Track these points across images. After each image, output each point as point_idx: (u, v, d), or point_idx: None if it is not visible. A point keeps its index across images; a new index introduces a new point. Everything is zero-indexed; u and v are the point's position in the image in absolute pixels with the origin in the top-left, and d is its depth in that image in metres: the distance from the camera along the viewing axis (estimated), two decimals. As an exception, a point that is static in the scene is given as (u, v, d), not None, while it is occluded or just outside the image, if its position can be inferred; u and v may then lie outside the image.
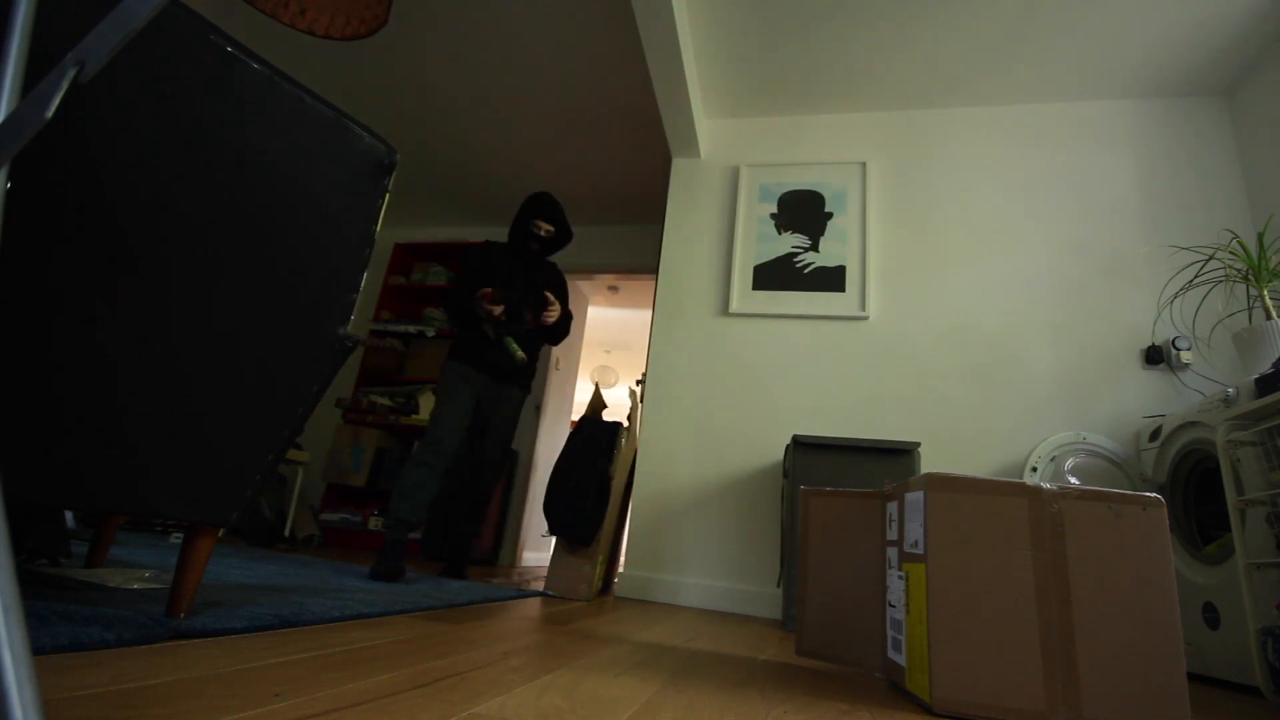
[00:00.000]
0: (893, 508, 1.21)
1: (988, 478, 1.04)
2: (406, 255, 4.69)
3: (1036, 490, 1.01)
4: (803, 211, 2.96)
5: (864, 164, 2.96)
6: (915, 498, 1.08)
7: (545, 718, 0.68)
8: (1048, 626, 0.95)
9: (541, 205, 2.49)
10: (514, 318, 2.33)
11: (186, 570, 0.97)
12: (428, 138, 3.83)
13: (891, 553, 1.19)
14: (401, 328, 4.36)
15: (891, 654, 1.15)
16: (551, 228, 2.50)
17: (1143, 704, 0.91)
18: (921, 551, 1.02)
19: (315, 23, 2.06)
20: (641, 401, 2.88)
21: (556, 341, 2.56)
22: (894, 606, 1.16)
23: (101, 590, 1.13)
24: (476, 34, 2.96)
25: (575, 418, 7.10)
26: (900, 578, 1.12)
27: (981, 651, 0.94)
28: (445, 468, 2.27)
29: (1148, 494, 0.99)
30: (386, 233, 5.09)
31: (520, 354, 2.32)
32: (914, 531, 1.07)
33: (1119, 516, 0.98)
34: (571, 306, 4.76)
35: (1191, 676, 1.93)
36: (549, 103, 3.36)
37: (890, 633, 1.17)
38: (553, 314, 2.41)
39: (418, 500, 2.21)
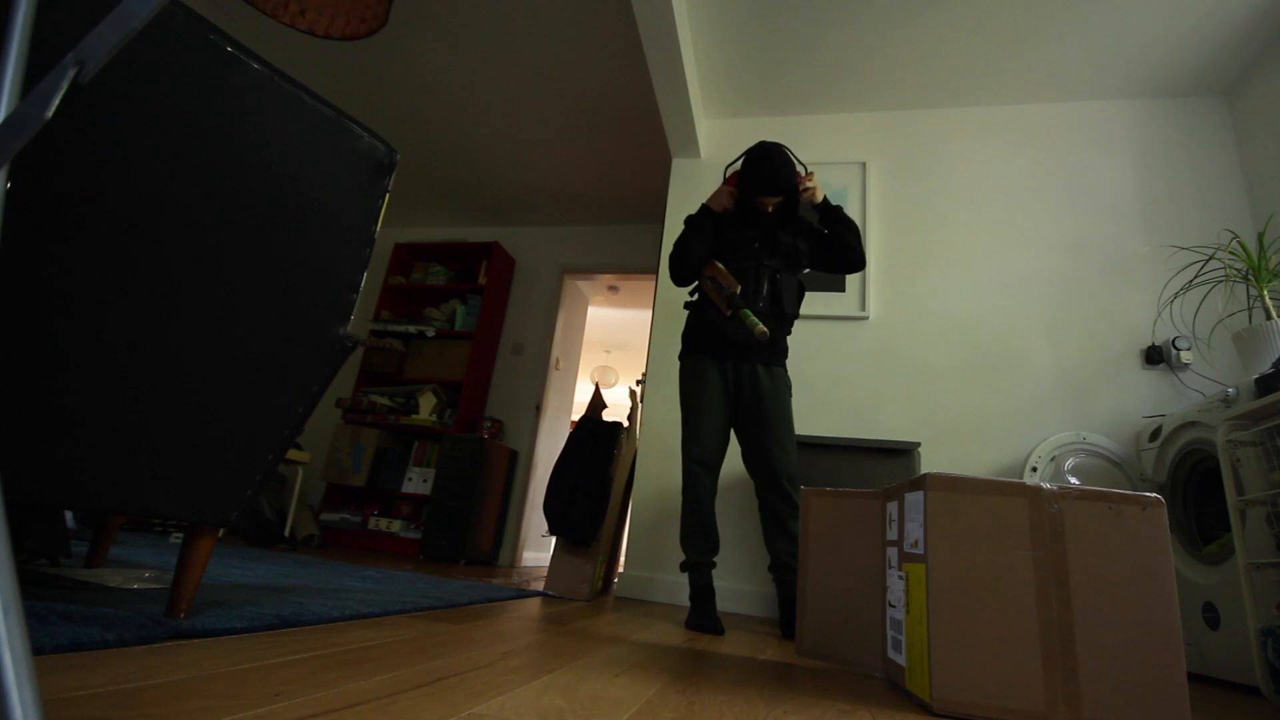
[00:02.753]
0: (893, 508, 1.21)
1: (988, 478, 1.04)
2: (406, 255, 4.69)
3: (1036, 490, 1.01)
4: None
5: (864, 164, 2.96)
6: (915, 498, 1.08)
7: (545, 718, 0.68)
8: (1047, 626, 0.95)
9: (764, 175, 1.88)
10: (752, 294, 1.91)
11: (186, 570, 0.97)
12: (428, 138, 3.83)
13: (892, 553, 1.19)
14: (401, 328, 4.36)
15: (891, 654, 1.15)
16: (780, 198, 1.93)
17: (1143, 704, 0.91)
18: (921, 551, 1.02)
19: (315, 23, 2.06)
20: (641, 401, 2.88)
21: (851, 260, 1.97)
22: (894, 606, 1.16)
23: (101, 590, 1.13)
24: (476, 34, 2.96)
25: (575, 418, 7.10)
26: (900, 578, 1.12)
27: (981, 651, 0.94)
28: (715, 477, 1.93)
29: (1148, 494, 0.99)
30: (386, 233, 5.09)
31: (761, 327, 1.77)
32: (914, 531, 1.07)
33: (1119, 516, 0.98)
34: (571, 306, 4.77)
35: (1191, 676, 1.93)
36: (549, 103, 3.36)
37: (890, 633, 1.16)
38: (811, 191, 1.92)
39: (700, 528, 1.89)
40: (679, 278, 2.00)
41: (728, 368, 1.96)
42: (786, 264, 1.96)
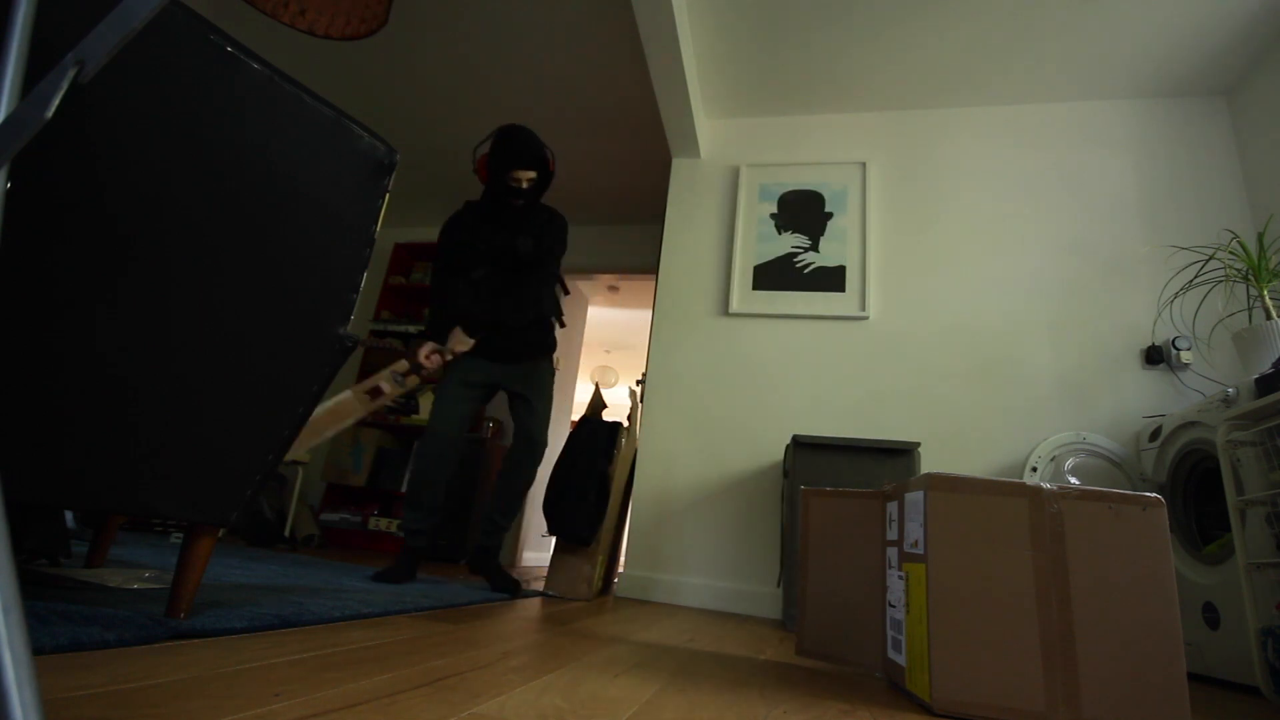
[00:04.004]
0: (893, 508, 1.21)
1: (988, 478, 1.04)
2: (406, 255, 4.69)
3: (1037, 490, 1.01)
4: (803, 211, 2.96)
5: (864, 164, 2.96)
6: (915, 498, 1.08)
7: (545, 718, 0.68)
8: (1048, 626, 0.94)
9: (514, 150, 2.00)
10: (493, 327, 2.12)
11: (186, 570, 0.97)
12: (428, 138, 3.83)
13: (892, 553, 1.19)
14: (401, 328, 4.36)
15: (891, 654, 1.15)
16: (533, 173, 2.04)
17: (1143, 704, 0.90)
18: (921, 551, 1.02)
19: (315, 23, 2.06)
20: (641, 401, 2.88)
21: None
22: (894, 606, 1.16)
23: (101, 590, 1.13)
24: (476, 34, 2.96)
25: (575, 418, 7.10)
26: (900, 578, 1.12)
27: (981, 651, 0.94)
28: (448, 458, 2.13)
29: (1148, 494, 0.99)
30: (386, 233, 5.09)
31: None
32: (914, 531, 1.07)
33: (1119, 516, 0.98)
34: (571, 306, 4.76)
35: (1191, 676, 1.93)
36: (549, 103, 3.36)
37: (890, 633, 1.17)
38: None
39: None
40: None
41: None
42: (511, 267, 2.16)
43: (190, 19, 0.87)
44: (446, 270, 2.17)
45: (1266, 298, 1.96)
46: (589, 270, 4.58)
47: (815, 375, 2.71)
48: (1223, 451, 1.64)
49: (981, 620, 0.96)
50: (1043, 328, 2.56)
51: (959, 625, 0.96)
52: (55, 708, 0.53)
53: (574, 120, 3.48)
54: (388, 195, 1.15)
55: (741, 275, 2.93)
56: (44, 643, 0.70)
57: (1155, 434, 2.12)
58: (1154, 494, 0.99)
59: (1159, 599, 0.95)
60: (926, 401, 2.57)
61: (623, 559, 2.72)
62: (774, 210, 3.00)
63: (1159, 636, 0.94)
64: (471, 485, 3.68)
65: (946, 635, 0.96)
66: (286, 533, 3.33)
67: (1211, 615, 1.79)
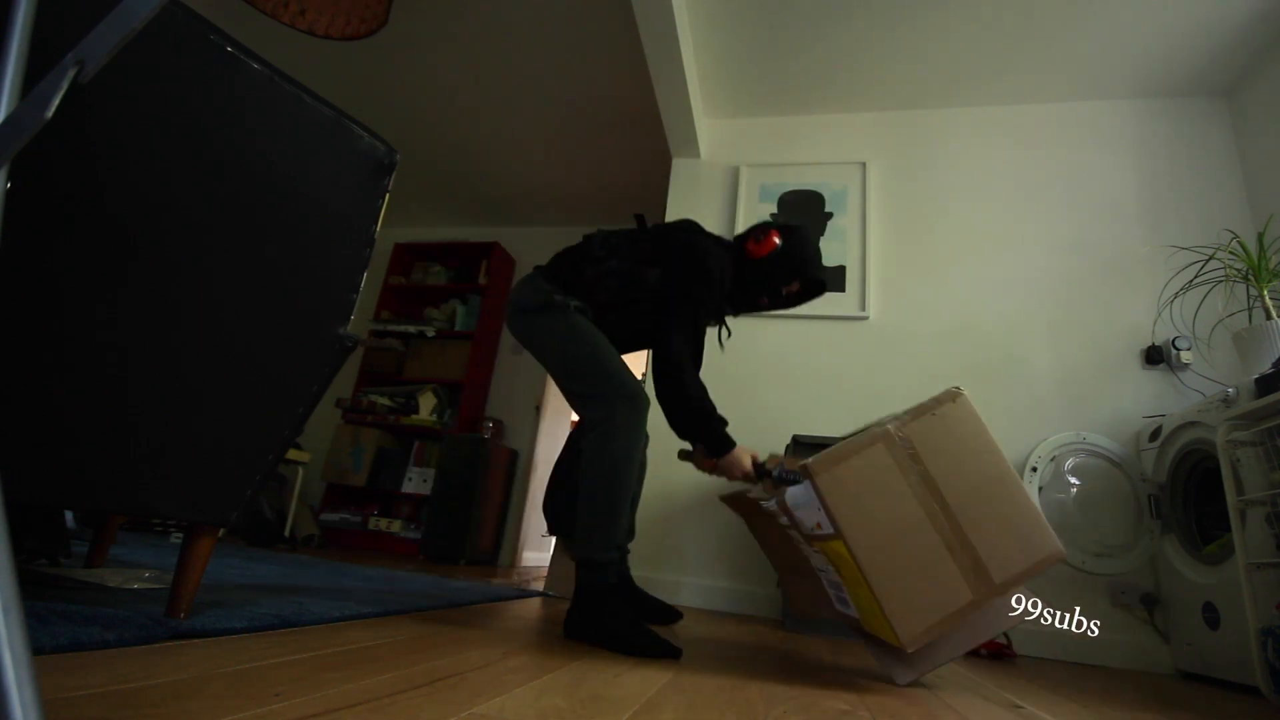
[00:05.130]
0: (770, 504, 1.31)
1: (846, 438, 1.17)
2: (406, 255, 4.69)
3: (884, 432, 1.15)
4: (803, 211, 2.96)
5: (864, 164, 2.96)
6: (798, 491, 1.19)
7: (545, 718, 0.68)
8: (944, 532, 1.11)
9: (815, 263, 1.64)
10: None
11: (186, 570, 0.97)
12: (428, 137, 3.83)
13: (794, 534, 1.30)
14: (401, 328, 4.36)
15: (841, 607, 1.28)
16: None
17: (1023, 545, 1.11)
18: (832, 530, 1.12)
19: (315, 23, 2.06)
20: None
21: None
22: (824, 571, 1.28)
23: (101, 590, 1.13)
24: (476, 34, 2.96)
25: (575, 418, 7.09)
26: (818, 553, 1.24)
27: (915, 582, 1.08)
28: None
29: (949, 389, 1.19)
30: (386, 233, 5.09)
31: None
32: (812, 516, 1.17)
33: (941, 417, 1.17)
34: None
35: (1192, 676, 1.93)
36: (549, 102, 3.36)
37: (832, 591, 1.29)
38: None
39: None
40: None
41: None
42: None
43: (190, 19, 0.87)
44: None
45: (1266, 298, 1.96)
46: (589, 270, 4.57)
47: (815, 375, 2.71)
48: (1223, 451, 1.64)
49: (903, 558, 1.09)
50: (1043, 328, 2.56)
51: (892, 573, 1.09)
52: (55, 708, 0.53)
53: (574, 120, 3.48)
54: (388, 195, 1.15)
55: (741, 275, 2.93)
56: (44, 643, 0.70)
57: (1155, 434, 2.12)
58: (953, 387, 1.20)
59: (990, 458, 1.17)
60: (926, 401, 2.56)
61: (623, 559, 2.72)
62: (774, 210, 2.99)
63: (1002, 486, 1.15)
64: (473, 485, 3.68)
65: (888, 588, 1.08)
66: (286, 533, 3.33)
67: (1211, 615, 1.79)
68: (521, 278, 1.62)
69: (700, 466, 1.59)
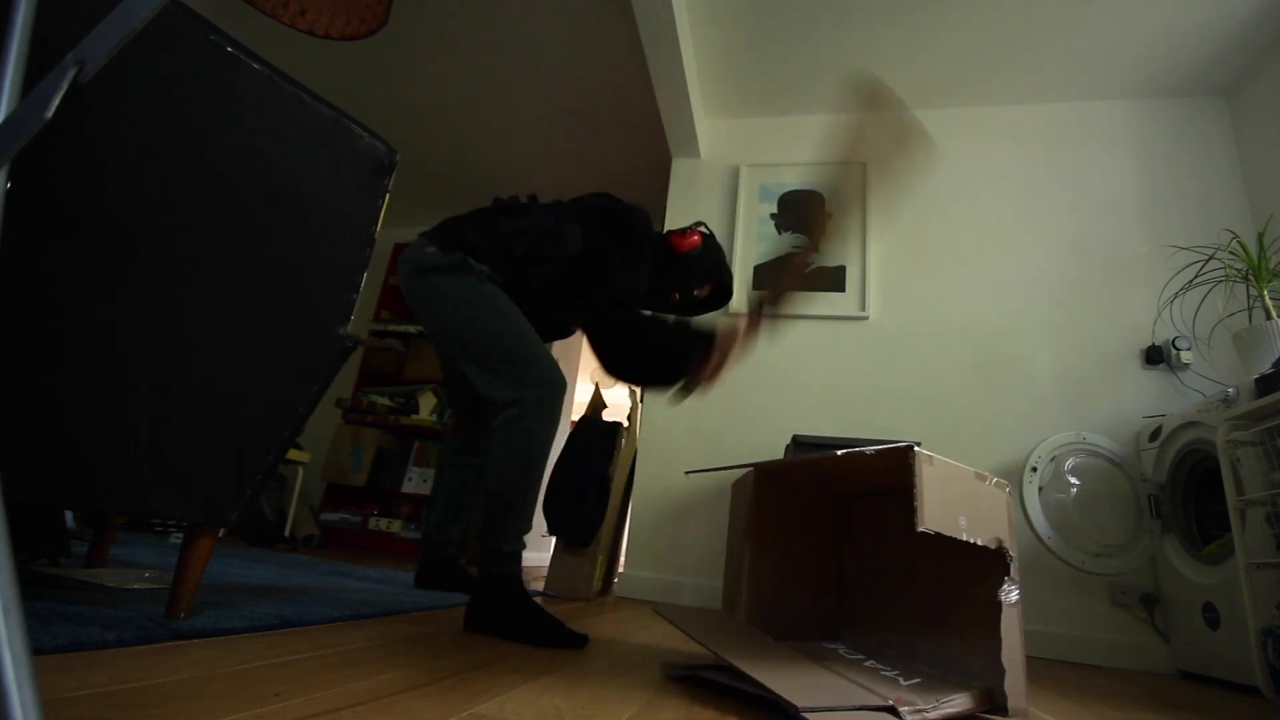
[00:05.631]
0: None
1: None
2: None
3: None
4: (803, 211, 2.96)
5: (864, 164, 2.95)
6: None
7: (545, 718, 0.68)
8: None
9: (727, 270, 1.68)
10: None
11: (186, 570, 0.97)
12: (428, 137, 3.82)
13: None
14: (401, 328, 4.36)
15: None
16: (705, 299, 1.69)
17: None
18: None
19: (315, 23, 2.06)
20: (641, 401, 2.88)
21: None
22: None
23: (101, 590, 1.13)
24: (476, 34, 2.96)
25: (575, 418, 7.09)
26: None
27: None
28: None
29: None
30: (386, 233, 5.08)
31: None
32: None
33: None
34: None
35: (1192, 676, 1.93)
36: (549, 103, 3.36)
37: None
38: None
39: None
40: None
41: None
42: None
43: (190, 19, 0.87)
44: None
45: (1266, 298, 1.96)
46: (589, 270, 4.56)
47: (815, 375, 2.71)
48: (1223, 451, 1.64)
49: None
50: (1043, 328, 2.56)
51: None
52: (55, 708, 0.53)
53: (574, 120, 3.47)
54: (388, 195, 1.15)
55: (741, 275, 2.93)
56: (44, 643, 0.70)
57: (1155, 434, 2.12)
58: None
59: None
60: (926, 401, 2.56)
61: (623, 559, 2.72)
62: (774, 210, 3.00)
63: None
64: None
65: None
66: (286, 533, 3.33)
67: (1211, 615, 1.79)
68: (413, 242, 1.48)
69: (698, 384, 1.39)
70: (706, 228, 1.63)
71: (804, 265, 1.41)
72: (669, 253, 1.57)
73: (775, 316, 1.35)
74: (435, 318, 1.40)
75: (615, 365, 1.39)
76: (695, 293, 1.63)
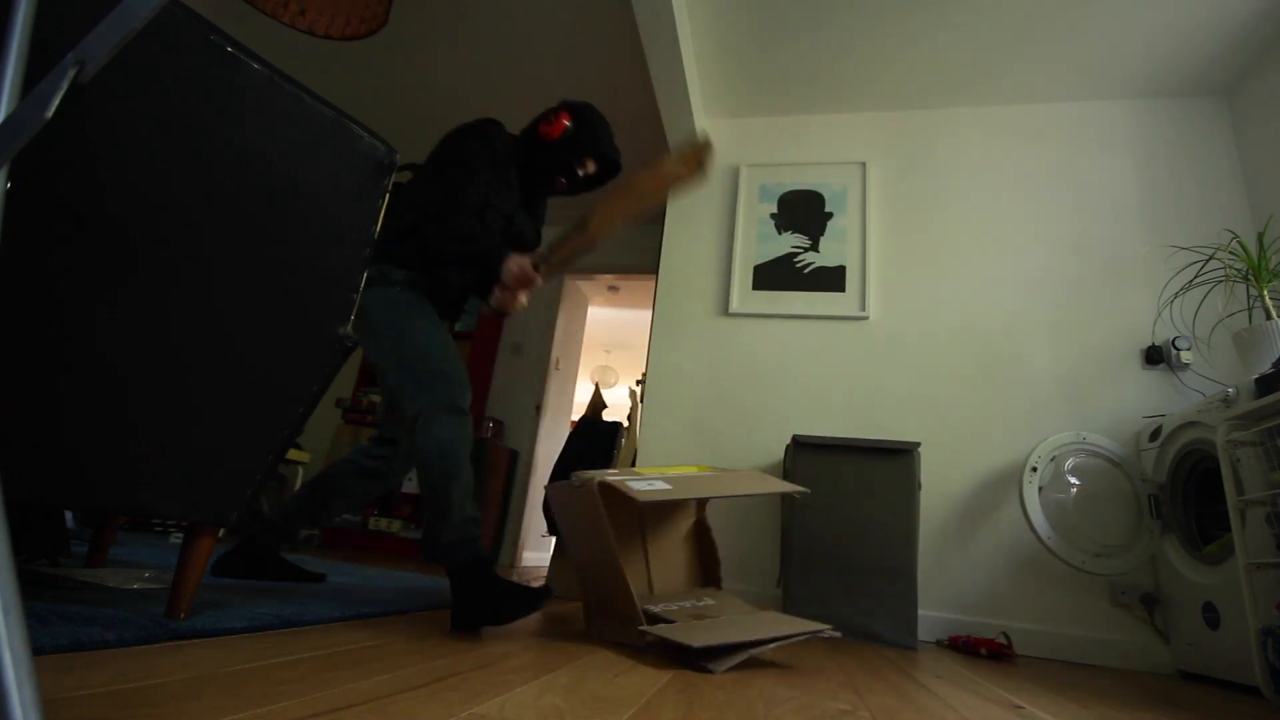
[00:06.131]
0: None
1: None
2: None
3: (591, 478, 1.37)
4: (803, 211, 2.96)
5: (864, 164, 2.95)
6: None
7: (545, 718, 0.68)
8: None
9: (607, 138, 1.67)
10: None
11: (186, 570, 0.97)
12: (428, 137, 3.82)
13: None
14: (401, 328, 4.35)
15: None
16: (594, 170, 1.73)
17: None
18: None
19: (315, 23, 2.06)
20: (641, 401, 2.88)
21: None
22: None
23: (101, 590, 1.13)
24: (477, 34, 2.96)
25: (575, 418, 7.09)
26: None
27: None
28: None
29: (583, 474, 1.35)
30: (386, 233, 5.08)
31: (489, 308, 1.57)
32: None
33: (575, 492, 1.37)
34: (571, 306, 4.77)
35: (1192, 676, 1.93)
36: (549, 102, 3.35)
37: None
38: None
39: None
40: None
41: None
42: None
43: (190, 19, 0.87)
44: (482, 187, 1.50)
45: (1266, 298, 1.96)
46: (589, 270, 4.57)
47: (815, 375, 2.71)
48: (1223, 451, 1.64)
49: None
50: (1043, 328, 2.56)
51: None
52: (55, 708, 0.53)
53: (574, 120, 3.47)
54: (388, 195, 1.15)
55: (741, 275, 2.93)
56: (44, 643, 0.70)
57: (1155, 434, 2.12)
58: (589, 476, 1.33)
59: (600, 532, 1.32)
60: (926, 401, 2.57)
61: (623, 559, 2.72)
62: (774, 210, 3.00)
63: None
64: (474, 486, 3.68)
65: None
66: (286, 533, 3.32)
67: (1211, 615, 1.79)
68: None
69: (494, 306, 1.52)
70: (574, 104, 1.65)
71: (581, 244, 1.47)
72: (538, 141, 1.60)
73: (551, 270, 1.46)
74: (361, 333, 1.42)
75: (440, 258, 1.47)
76: (580, 173, 1.67)
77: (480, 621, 1.24)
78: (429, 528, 1.35)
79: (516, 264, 1.42)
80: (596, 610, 1.43)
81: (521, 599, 1.22)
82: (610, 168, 1.73)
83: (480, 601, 1.23)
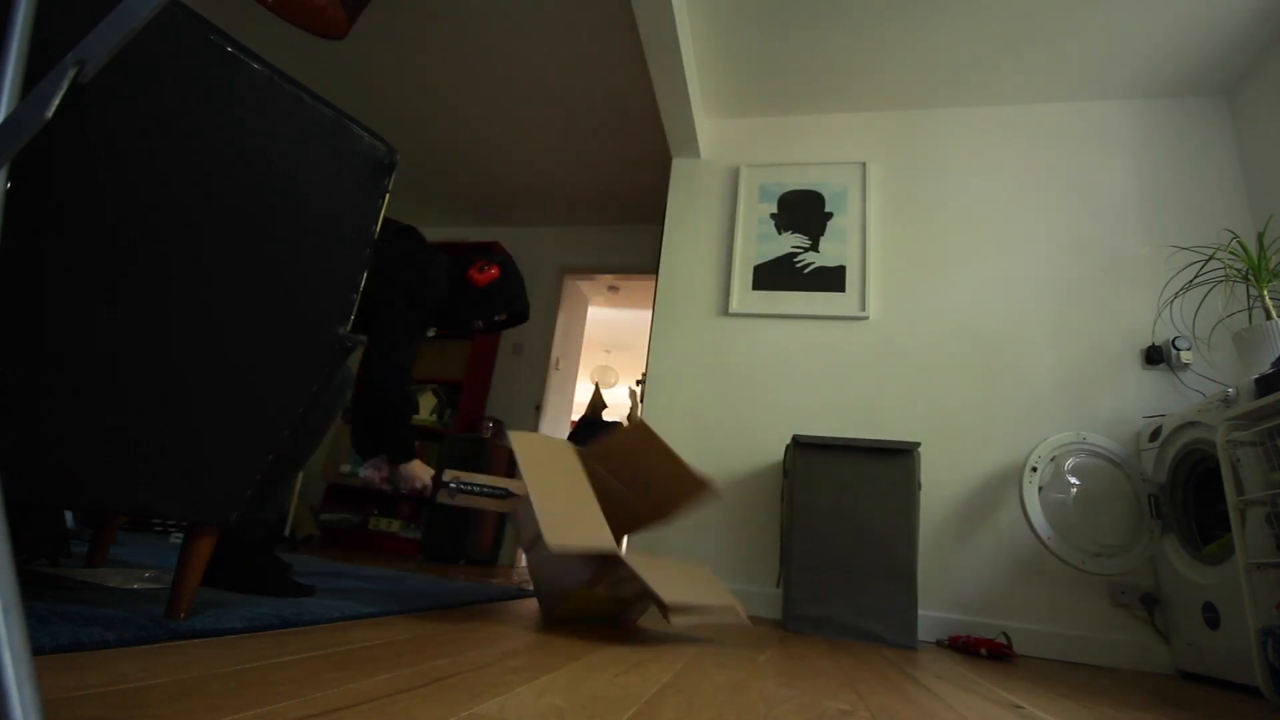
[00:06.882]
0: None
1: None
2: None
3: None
4: (803, 211, 2.96)
5: (864, 164, 2.96)
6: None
7: (545, 718, 0.68)
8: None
9: (522, 303, 1.86)
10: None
11: (186, 570, 0.97)
12: (428, 137, 3.83)
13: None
14: (401, 328, 4.35)
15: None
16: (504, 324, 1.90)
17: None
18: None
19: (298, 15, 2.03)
20: (641, 401, 2.88)
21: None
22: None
23: (101, 590, 1.13)
24: (477, 33, 2.96)
25: (575, 418, 7.09)
26: None
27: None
28: None
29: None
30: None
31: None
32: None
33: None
34: (571, 306, 4.77)
35: (1191, 676, 1.93)
36: (549, 102, 3.36)
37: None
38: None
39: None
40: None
41: None
42: None
43: (190, 19, 0.87)
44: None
45: (1266, 298, 1.96)
46: (589, 270, 4.58)
47: (815, 375, 2.71)
48: (1223, 451, 1.64)
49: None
50: (1043, 328, 2.56)
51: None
52: (55, 708, 0.53)
53: (574, 120, 3.48)
54: (388, 195, 1.15)
55: (741, 275, 2.93)
56: (44, 643, 0.70)
57: (1155, 434, 2.12)
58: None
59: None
60: (926, 401, 2.57)
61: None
62: (774, 210, 3.00)
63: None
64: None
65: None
66: (286, 533, 3.32)
67: (1211, 615, 1.79)
68: None
69: (373, 481, 1.65)
70: (503, 255, 1.82)
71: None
72: (467, 286, 1.75)
73: (450, 495, 1.58)
74: None
75: (359, 415, 1.59)
76: (496, 319, 1.84)
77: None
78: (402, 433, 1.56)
79: (420, 475, 1.63)
80: (554, 589, 1.52)
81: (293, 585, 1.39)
82: (520, 320, 1.90)
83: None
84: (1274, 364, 1.74)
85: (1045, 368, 2.51)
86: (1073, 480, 2.25)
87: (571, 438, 2.52)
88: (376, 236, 1.54)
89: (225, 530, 1.33)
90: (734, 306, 2.88)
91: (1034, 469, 2.28)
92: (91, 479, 0.85)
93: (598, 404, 2.69)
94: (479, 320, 1.81)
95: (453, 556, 3.55)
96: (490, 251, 1.77)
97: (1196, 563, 1.90)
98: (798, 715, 0.84)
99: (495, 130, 3.66)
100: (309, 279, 1.06)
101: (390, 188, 1.15)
